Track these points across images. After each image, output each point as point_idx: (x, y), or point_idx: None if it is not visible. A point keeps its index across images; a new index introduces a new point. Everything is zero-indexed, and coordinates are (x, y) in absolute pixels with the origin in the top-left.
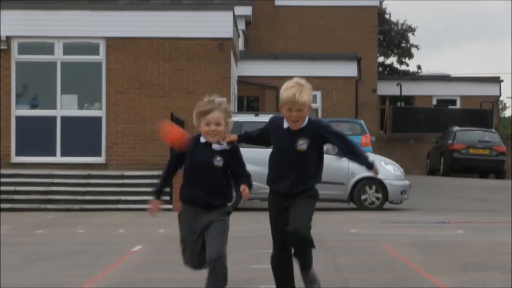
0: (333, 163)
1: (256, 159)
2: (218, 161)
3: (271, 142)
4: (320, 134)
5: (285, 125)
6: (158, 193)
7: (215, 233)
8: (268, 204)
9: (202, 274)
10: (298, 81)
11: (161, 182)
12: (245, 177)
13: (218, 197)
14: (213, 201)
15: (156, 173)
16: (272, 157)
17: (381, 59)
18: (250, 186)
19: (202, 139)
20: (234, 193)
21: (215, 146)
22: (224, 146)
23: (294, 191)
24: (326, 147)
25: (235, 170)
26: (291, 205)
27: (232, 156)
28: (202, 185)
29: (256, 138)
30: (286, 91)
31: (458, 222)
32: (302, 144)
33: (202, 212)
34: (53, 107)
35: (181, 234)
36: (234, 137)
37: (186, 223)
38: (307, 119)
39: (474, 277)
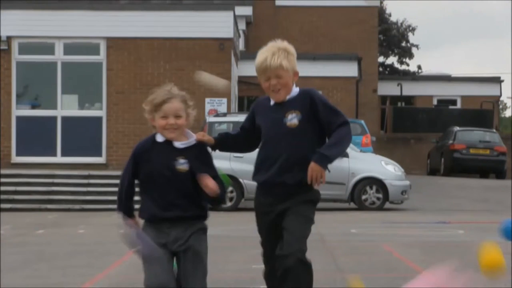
0: (333, 163)
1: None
2: (182, 164)
3: (256, 141)
4: (311, 102)
5: (272, 102)
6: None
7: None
8: (255, 207)
9: None
10: (274, 44)
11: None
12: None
13: (187, 208)
14: (183, 213)
15: None
16: (260, 146)
17: (381, 59)
18: (221, 194)
19: (160, 138)
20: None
21: (177, 144)
22: (191, 141)
23: (288, 182)
24: None
25: (205, 171)
26: (284, 216)
27: (200, 153)
28: (164, 196)
29: (236, 137)
30: (257, 57)
31: (458, 222)
32: (292, 119)
33: (168, 228)
34: (54, 107)
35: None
36: (209, 139)
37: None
38: (297, 89)
39: (474, 277)
